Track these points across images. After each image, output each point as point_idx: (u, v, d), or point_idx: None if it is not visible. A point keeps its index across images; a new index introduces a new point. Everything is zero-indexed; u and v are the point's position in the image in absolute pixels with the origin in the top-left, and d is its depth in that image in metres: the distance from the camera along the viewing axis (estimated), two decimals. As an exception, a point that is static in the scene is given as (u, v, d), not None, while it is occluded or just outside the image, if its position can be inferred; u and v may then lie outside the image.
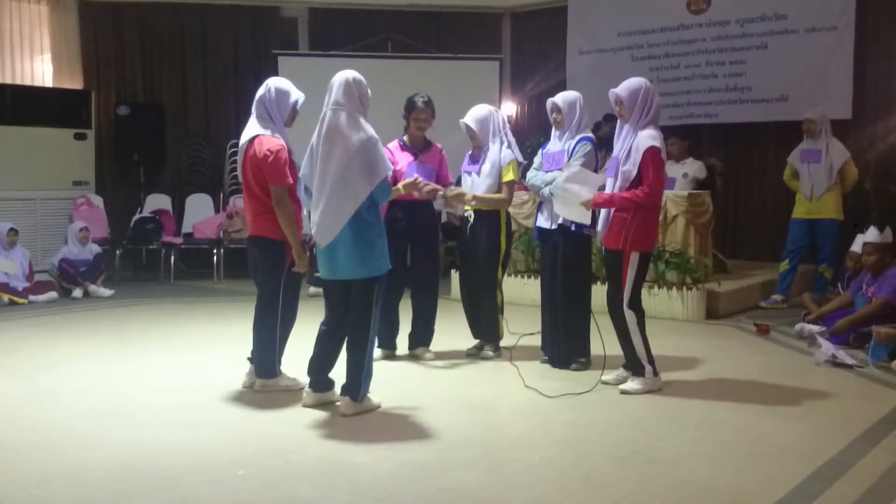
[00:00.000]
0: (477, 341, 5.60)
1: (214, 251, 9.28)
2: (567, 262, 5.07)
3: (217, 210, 10.08)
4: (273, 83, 4.50)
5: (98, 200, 9.56)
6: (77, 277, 8.18)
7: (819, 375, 5.10)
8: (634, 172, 4.50)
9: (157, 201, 10.03)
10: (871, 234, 6.00)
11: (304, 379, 4.42)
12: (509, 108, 10.78)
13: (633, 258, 4.56)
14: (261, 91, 4.49)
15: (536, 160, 5.32)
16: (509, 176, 5.24)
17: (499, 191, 5.27)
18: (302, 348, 4.49)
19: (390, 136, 5.32)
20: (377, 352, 4.98)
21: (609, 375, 4.81)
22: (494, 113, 5.36)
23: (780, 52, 8.98)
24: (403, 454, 3.64)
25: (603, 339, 4.84)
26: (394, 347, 5.50)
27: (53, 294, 8.01)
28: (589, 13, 10.30)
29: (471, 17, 11.06)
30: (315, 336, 4.33)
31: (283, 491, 3.22)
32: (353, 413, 4.15)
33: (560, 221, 5.03)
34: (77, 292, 8.10)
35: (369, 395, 4.25)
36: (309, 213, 4.28)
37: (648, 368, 4.64)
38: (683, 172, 7.92)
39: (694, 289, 6.97)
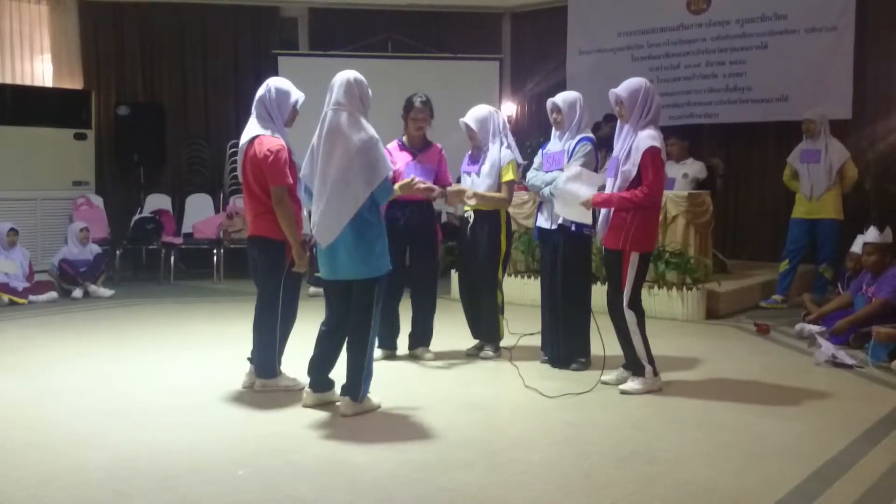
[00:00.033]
0: (476, 341, 5.60)
1: (214, 251, 9.28)
2: (567, 262, 5.07)
3: (217, 210, 10.08)
4: (273, 83, 4.50)
5: (98, 200, 9.56)
6: (77, 278, 8.17)
7: (819, 375, 5.10)
8: (634, 172, 4.50)
9: (157, 201, 10.04)
10: (871, 234, 6.00)
11: (304, 379, 4.42)
12: (509, 108, 10.78)
13: (633, 258, 4.56)
14: (261, 91, 4.49)
15: (536, 160, 5.32)
16: (509, 176, 5.24)
17: (498, 191, 5.27)
18: (302, 348, 4.49)
19: (390, 137, 5.32)
20: (377, 352, 4.97)
21: (609, 375, 4.81)
22: (495, 114, 5.37)
23: (780, 52, 8.98)
24: (403, 454, 3.64)
25: (603, 339, 4.84)
26: (394, 348, 5.50)
27: (53, 294, 8.01)
28: (589, 13, 10.30)
29: (471, 17, 11.06)
30: (315, 336, 4.33)
31: (283, 491, 3.22)
32: (353, 413, 4.16)
33: (560, 222, 5.03)
34: (77, 292, 8.10)
35: (369, 395, 4.25)
36: (309, 213, 4.28)
37: (648, 368, 4.64)
38: (683, 173, 7.92)
39: (694, 289, 6.97)
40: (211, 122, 10.70)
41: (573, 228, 5.01)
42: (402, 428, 4.04)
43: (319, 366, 4.31)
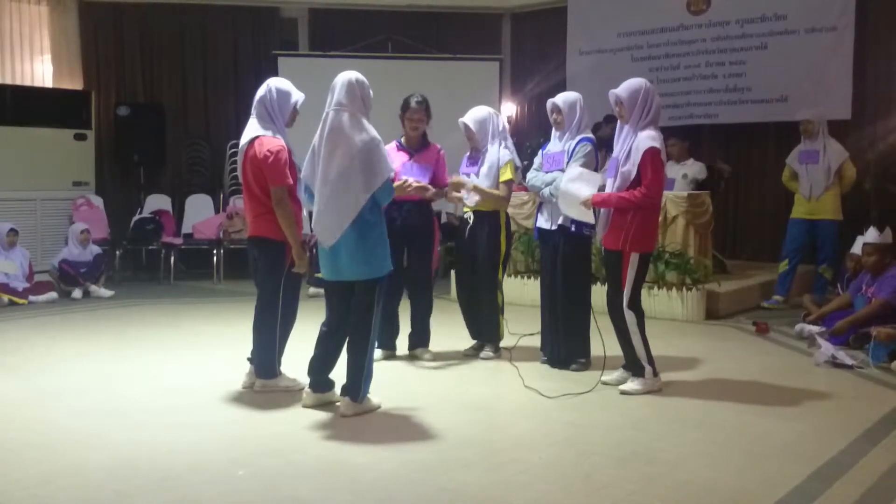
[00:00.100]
0: (474, 341, 5.60)
1: (214, 251, 9.28)
2: (567, 262, 5.07)
3: (217, 210, 10.08)
4: (274, 83, 4.50)
5: (98, 201, 9.56)
6: (78, 278, 8.17)
7: (819, 376, 5.10)
8: (634, 173, 4.50)
9: (157, 202, 10.03)
10: (871, 235, 6.00)
11: (304, 379, 4.42)
12: (509, 108, 10.78)
13: (633, 259, 4.56)
14: (261, 91, 4.49)
15: (536, 161, 5.32)
16: (507, 175, 5.24)
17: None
18: (302, 348, 4.49)
19: (390, 137, 5.31)
20: (377, 352, 4.98)
21: (609, 376, 4.81)
22: (494, 115, 5.37)
23: (779, 52, 8.98)
24: (403, 454, 3.64)
25: (603, 340, 4.84)
26: (394, 348, 5.50)
27: (53, 294, 8.01)
28: (589, 13, 10.30)
29: (471, 18, 11.06)
30: (315, 336, 4.33)
31: (283, 491, 3.22)
32: (353, 413, 4.16)
33: (560, 222, 5.03)
34: (77, 293, 8.10)
35: (369, 395, 4.25)
36: (310, 213, 4.28)
37: (648, 369, 4.64)
38: (683, 173, 7.92)
39: (694, 289, 6.98)
40: (211, 123, 10.70)
41: (573, 229, 5.01)
42: (402, 428, 4.04)
43: (319, 366, 4.31)
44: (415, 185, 4.76)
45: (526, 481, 3.33)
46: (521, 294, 7.60)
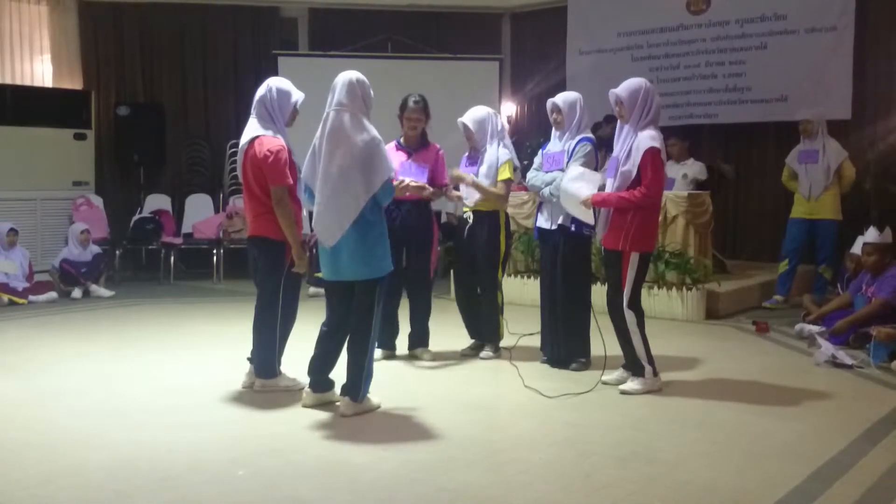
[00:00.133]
0: (472, 341, 5.60)
1: (214, 251, 9.28)
2: (567, 262, 5.07)
3: (217, 210, 10.08)
4: (274, 83, 4.50)
5: (98, 201, 9.56)
6: (79, 278, 8.17)
7: (819, 375, 5.10)
8: (634, 173, 4.50)
9: (157, 201, 10.04)
10: (871, 235, 6.00)
11: (304, 379, 4.42)
12: (509, 108, 10.78)
13: (633, 258, 4.56)
14: (261, 91, 4.49)
15: (536, 160, 5.32)
16: (505, 174, 5.25)
17: (496, 190, 5.28)
18: (302, 348, 4.49)
19: (390, 137, 5.30)
20: (377, 352, 4.97)
21: (609, 376, 4.81)
22: (493, 115, 5.37)
23: (779, 52, 8.98)
24: (403, 454, 3.64)
25: (603, 340, 4.84)
26: (394, 348, 5.50)
27: (53, 294, 8.02)
28: (589, 13, 10.30)
29: (471, 18, 11.06)
30: (315, 336, 4.33)
31: (283, 491, 3.22)
32: (353, 413, 4.16)
33: (560, 222, 5.03)
34: (77, 292, 8.09)
35: (369, 395, 4.25)
36: (310, 213, 4.28)
37: (648, 369, 4.64)
38: (683, 173, 7.92)
39: (694, 289, 6.98)
40: (211, 123, 10.70)
41: (573, 229, 5.01)
42: (402, 428, 4.04)
43: (320, 366, 4.31)
44: (412, 185, 4.75)
45: (526, 481, 3.33)
46: (521, 294, 7.60)
